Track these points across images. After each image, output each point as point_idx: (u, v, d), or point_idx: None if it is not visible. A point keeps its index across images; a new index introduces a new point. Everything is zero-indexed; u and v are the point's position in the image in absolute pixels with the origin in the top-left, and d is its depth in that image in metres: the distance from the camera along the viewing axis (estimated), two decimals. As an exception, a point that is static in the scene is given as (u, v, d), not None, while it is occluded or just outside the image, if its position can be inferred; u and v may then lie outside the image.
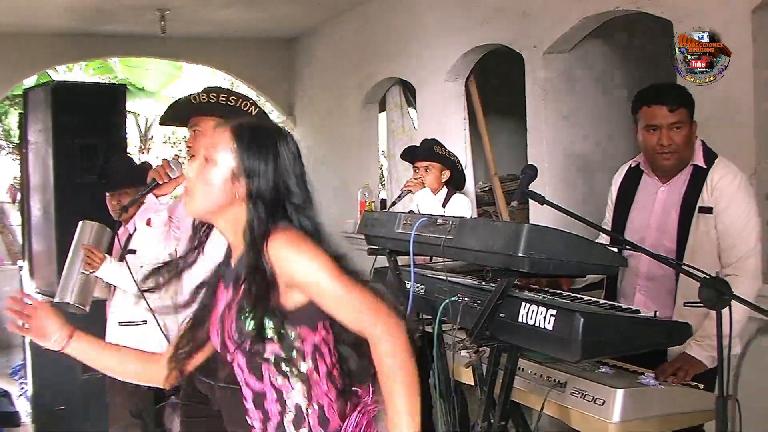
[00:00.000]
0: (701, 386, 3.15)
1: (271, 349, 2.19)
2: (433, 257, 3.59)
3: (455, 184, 5.52)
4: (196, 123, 3.58)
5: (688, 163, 3.57)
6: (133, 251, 4.49)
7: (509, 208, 6.96)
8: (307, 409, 2.22)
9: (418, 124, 8.35)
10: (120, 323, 4.65)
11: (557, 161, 6.20)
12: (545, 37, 6.05)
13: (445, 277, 3.07)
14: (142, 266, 4.35)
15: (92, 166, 5.89)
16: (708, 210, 3.46)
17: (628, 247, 3.23)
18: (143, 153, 18.23)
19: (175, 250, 4.45)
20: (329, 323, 2.25)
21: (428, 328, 3.24)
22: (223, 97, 3.59)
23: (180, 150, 18.12)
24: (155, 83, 16.69)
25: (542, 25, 6.07)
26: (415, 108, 8.46)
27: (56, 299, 4.71)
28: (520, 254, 2.58)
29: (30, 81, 11.70)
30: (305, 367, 2.22)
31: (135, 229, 4.43)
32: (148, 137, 19.22)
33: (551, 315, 2.60)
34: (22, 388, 7.52)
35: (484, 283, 2.98)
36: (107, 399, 4.92)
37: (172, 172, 3.71)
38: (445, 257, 3.05)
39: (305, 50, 10.84)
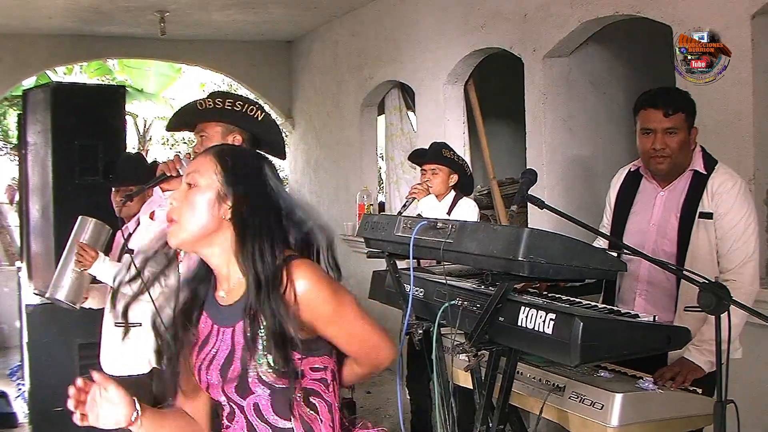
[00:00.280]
0: (700, 391, 3.15)
1: (299, 385, 2.17)
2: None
3: (463, 188, 5.52)
4: (202, 129, 3.57)
5: (685, 168, 3.58)
6: (131, 251, 4.46)
7: (509, 212, 6.96)
8: None
9: (417, 128, 8.35)
10: (116, 324, 4.62)
11: (556, 165, 6.20)
12: (545, 42, 6.06)
13: (444, 281, 3.07)
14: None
15: (91, 167, 5.89)
16: (708, 215, 3.47)
17: (627, 251, 3.23)
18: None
19: None
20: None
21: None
22: (229, 102, 3.57)
23: (179, 152, 18.10)
24: (154, 85, 16.72)
25: (542, 30, 6.08)
26: (414, 111, 8.47)
27: (47, 295, 4.68)
28: (519, 258, 2.58)
29: (29, 82, 11.71)
30: (330, 396, 2.23)
31: (135, 229, 4.42)
32: (147, 138, 19.24)
33: (550, 319, 2.60)
34: (20, 389, 7.52)
35: (483, 286, 2.98)
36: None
37: (182, 167, 3.70)
38: (445, 261, 3.05)
39: (304, 53, 10.84)
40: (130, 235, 4.49)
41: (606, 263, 2.80)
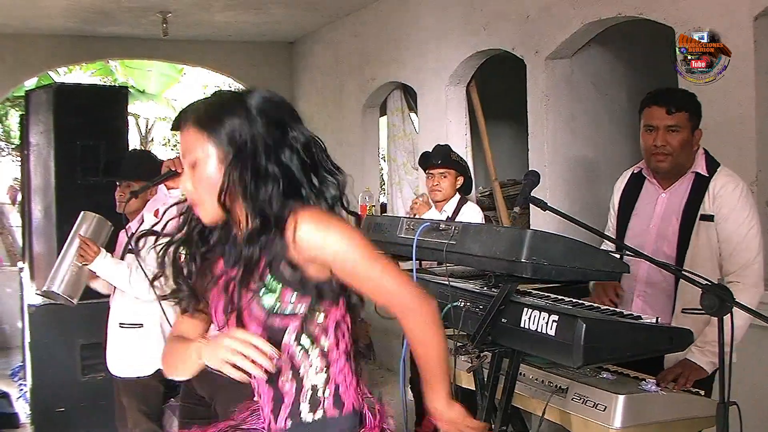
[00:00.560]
0: (702, 392, 3.15)
1: (294, 325, 2.16)
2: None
3: (465, 189, 5.55)
4: None
5: (687, 169, 3.58)
6: (132, 251, 4.45)
7: (511, 213, 6.97)
8: (324, 391, 2.21)
9: (419, 129, 8.36)
10: (120, 324, 4.63)
11: (558, 166, 6.21)
12: (547, 43, 6.06)
13: (447, 282, 3.07)
14: (137, 266, 4.33)
15: (94, 167, 5.89)
16: (709, 218, 3.47)
17: (629, 252, 3.23)
18: (143, 155, 18.20)
19: None
20: (346, 299, 2.24)
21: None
22: None
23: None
24: (156, 85, 16.71)
25: (544, 31, 6.08)
26: (416, 112, 8.47)
27: (44, 288, 4.66)
28: (522, 260, 2.58)
29: (30, 82, 11.71)
30: (327, 343, 2.20)
31: (137, 228, 4.42)
32: (149, 139, 19.25)
33: (553, 321, 2.60)
34: (22, 389, 7.52)
35: (486, 288, 2.98)
36: (106, 401, 4.91)
37: None
38: (448, 262, 3.06)
39: (306, 54, 10.85)
40: (133, 234, 4.47)
41: (609, 265, 2.81)
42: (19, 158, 11.43)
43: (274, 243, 2.12)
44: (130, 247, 4.42)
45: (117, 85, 15.51)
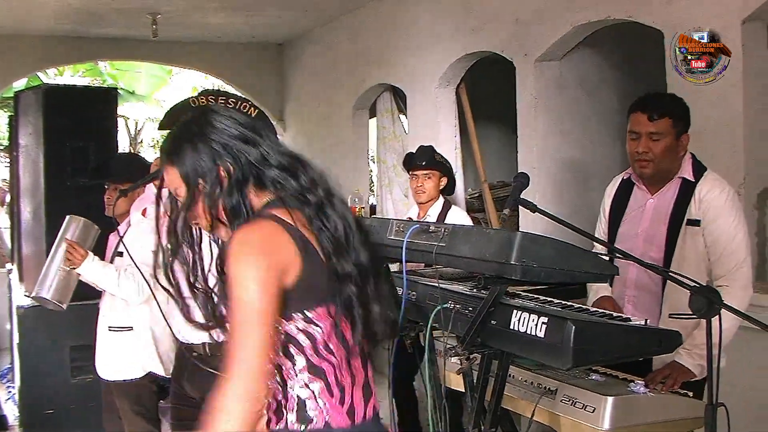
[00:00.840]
0: (691, 394, 3.17)
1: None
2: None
3: (448, 190, 5.56)
4: None
5: (673, 175, 3.59)
6: (120, 254, 4.44)
7: (500, 215, 6.99)
8: (307, 404, 2.16)
9: (408, 131, 8.36)
10: (110, 328, 4.61)
11: (547, 169, 6.22)
12: (536, 45, 6.08)
13: (437, 284, 3.08)
14: (126, 269, 4.32)
15: (83, 168, 5.88)
16: (695, 222, 3.49)
17: (619, 255, 3.24)
18: (132, 156, 18.20)
19: None
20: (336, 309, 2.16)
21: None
22: (222, 99, 3.59)
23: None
24: (145, 87, 16.70)
25: (533, 33, 6.10)
26: (405, 114, 8.48)
27: (33, 293, 4.64)
28: (512, 262, 2.58)
29: (20, 84, 11.68)
30: (302, 359, 2.14)
31: (125, 232, 4.41)
32: (138, 140, 19.22)
33: (543, 323, 2.60)
34: (10, 391, 7.50)
35: (475, 290, 2.98)
36: (95, 404, 4.89)
37: None
38: (437, 264, 3.06)
39: (296, 55, 10.85)
40: (121, 237, 4.46)
41: (598, 267, 2.81)
42: (7, 159, 11.41)
43: None
44: (120, 251, 4.42)
45: (106, 86, 15.48)
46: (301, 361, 2.15)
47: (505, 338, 2.75)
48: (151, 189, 3.81)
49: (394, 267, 3.35)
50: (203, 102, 3.56)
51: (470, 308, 2.87)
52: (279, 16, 9.32)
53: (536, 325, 2.61)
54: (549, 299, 3.10)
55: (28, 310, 6.18)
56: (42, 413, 6.10)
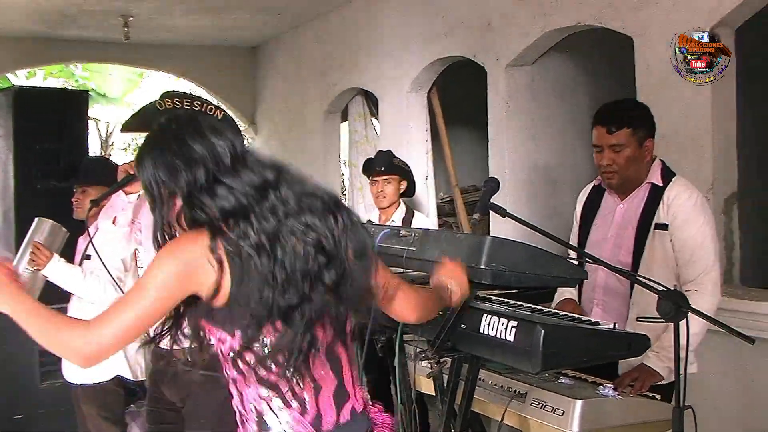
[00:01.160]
0: (659, 397, 3.19)
1: (224, 347, 2.15)
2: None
3: (408, 193, 5.59)
4: None
5: (641, 181, 3.61)
6: (89, 257, 4.41)
7: (470, 220, 7.01)
8: (260, 415, 2.19)
9: (380, 135, 8.37)
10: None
11: (519, 173, 6.24)
12: (508, 50, 6.10)
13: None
14: (92, 271, 4.30)
15: (53, 171, 5.85)
16: (663, 227, 3.51)
17: (588, 260, 3.26)
18: (104, 159, 18.04)
19: (135, 252, 4.42)
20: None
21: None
22: (187, 102, 3.58)
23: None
24: (117, 89, 16.60)
25: (505, 38, 6.12)
26: (377, 118, 8.48)
27: None
28: (482, 266, 2.60)
29: (-11, 85, 11.60)
30: (234, 372, 2.18)
31: (95, 234, 4.38)
32: (109, 143, 19.08)
33: (512, 326, 2.62)
34: (-21, 396, 7.42)
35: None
36: (65, 408, 4.84)
37: None
38: (408, 268, 3.07)
39: (268, 59, 10.83)
40: (90, 240, 4.43)
41: (567, 271, 2.84)
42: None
43: None
44: (88, 254, 4.39)
45: (78, 88, 15.38)
46: (251, 376, 2.15)
47: (475, 342, 2.77)
48: (120, 196, 3.79)
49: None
50: (170, 106, 3.54)
51: (440, 312, 2.89)
52: (251, 20, 9.30)
53: (506, 328, 2.63)
54: (519, 303, 3.12)
55: (-3, 314, 6.11)
56: (11, 418, 6.04)
